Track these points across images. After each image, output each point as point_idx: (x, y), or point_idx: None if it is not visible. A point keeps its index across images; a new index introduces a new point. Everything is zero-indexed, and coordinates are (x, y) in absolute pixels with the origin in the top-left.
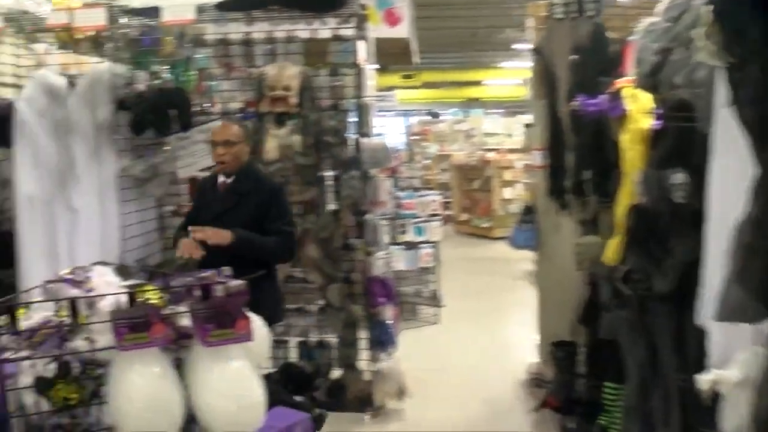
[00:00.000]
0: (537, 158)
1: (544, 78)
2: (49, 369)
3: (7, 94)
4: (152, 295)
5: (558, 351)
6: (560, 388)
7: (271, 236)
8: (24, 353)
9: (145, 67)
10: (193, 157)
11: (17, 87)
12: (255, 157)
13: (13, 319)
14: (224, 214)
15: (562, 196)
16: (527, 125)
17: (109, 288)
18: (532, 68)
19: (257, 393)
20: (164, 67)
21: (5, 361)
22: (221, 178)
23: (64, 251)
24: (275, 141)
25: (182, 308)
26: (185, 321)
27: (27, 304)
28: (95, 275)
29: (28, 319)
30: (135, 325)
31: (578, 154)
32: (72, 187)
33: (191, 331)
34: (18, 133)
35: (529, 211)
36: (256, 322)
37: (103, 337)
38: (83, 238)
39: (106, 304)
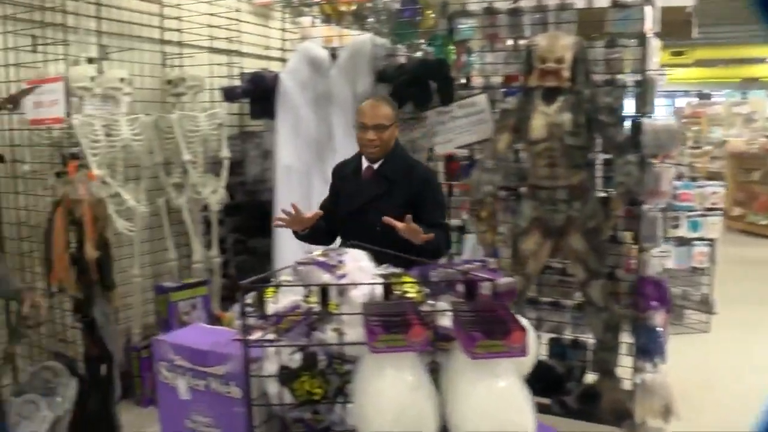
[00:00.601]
0: None
1: None
2: (295, 359)
3: (275, 67)
4: (410, 288)
5: None
6: None
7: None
8: (270, 338)
9: (406, 40)
10: (452, 133)
11: (283, 60)
12: (519, 136)
13: (261, 302)
14: (372, 202)
15: None
16: None
17: (362, 275)
18: None
19: (527, 419)
20: (422, 41)
21: (252, 345)
22: (365, 164)
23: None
24: (543, 118)
25: (442, 305)
26: (445, 320)
27: (275, 287)
28: (348, 260)
29: (275, 302)
30: (391, 324)
31: None
32: (329, 159)
33: (452, 334)
34: (281, 105)
35: None
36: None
37: (353, 330)
38: None
39: (358, 294)
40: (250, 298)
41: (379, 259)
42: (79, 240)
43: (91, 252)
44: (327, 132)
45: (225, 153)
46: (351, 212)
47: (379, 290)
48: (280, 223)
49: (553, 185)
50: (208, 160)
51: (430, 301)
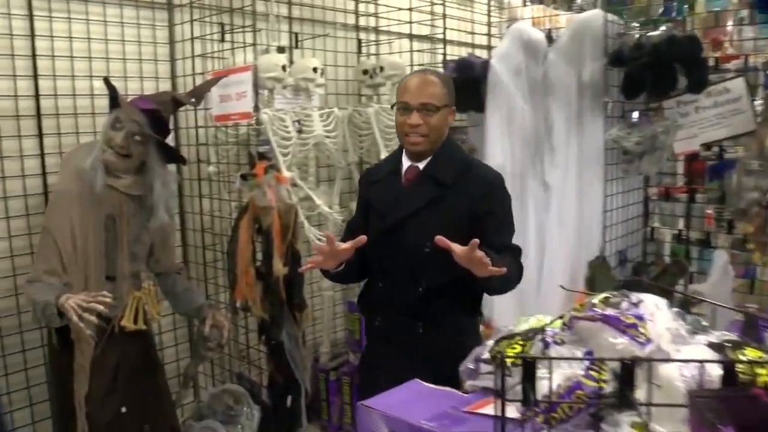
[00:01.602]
0: None
1: None
2: None
3: (481, 53)
4: (761, 371)
5: None
6: None
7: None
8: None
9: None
10: (696, 126)
11: (488, 48)
12: None
13: (532, 380)
14: (417, 215)
15: None
16: None
17: (669, 338)
18: None
19: None
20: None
21: None
22: (407, 163)
23: (532, 233)
24: None
25: None
26: None
27: (547, 360)
28: (647, 312)
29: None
30: None
31: None
32: (547, 158)
33: None
34: (491, 95)
35: None
36: None
37: (665, 426)
38: (555, 220)
39: (674, 373)
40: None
41: (425, 296)
42: (267, 252)
43: (279, 268)
44: (545, 127)
45: None
46: (387, 229)
47: (715, 372)
48: (310, 266)
49: None
50: None
51: None
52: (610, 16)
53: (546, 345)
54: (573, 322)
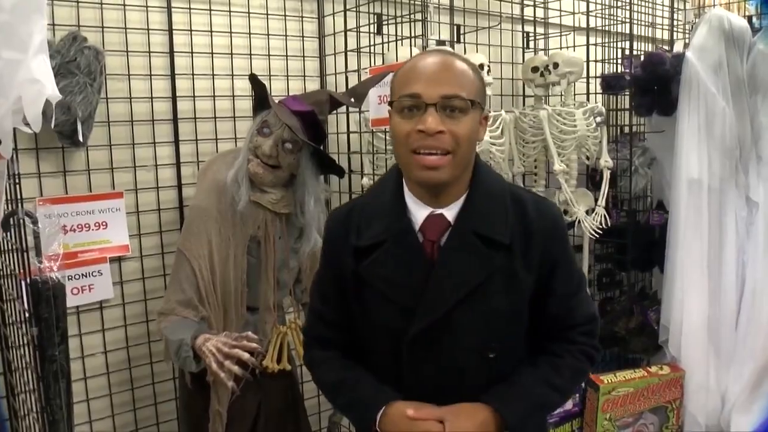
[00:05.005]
0: None
1: None
2: None
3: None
4: None
5: None
6: None
7: (562, 357)
8: None
9: None
10: None
11: (670, 43)
12: None
13: None
14: (467, 305)
15: None
16: None
17: None
18: None
19: None
20: None
21: None
22: (420, 210)
23: (729, 261)
24: None
25: None
26: None
27: None
28: None
29: None
30: None
31: None
32: (752, 170)
33: None
34: (686, 96)
35: None
36: None
37: None
38: (762, 246)
39: None
40: None
41: None
42: None
43: None
44: (751, 132)
45: (607, 161)
46: (416, 335)
47: None
48: None
49: None
50: (580, 170)
51: None
52: None
53: None
54: None
